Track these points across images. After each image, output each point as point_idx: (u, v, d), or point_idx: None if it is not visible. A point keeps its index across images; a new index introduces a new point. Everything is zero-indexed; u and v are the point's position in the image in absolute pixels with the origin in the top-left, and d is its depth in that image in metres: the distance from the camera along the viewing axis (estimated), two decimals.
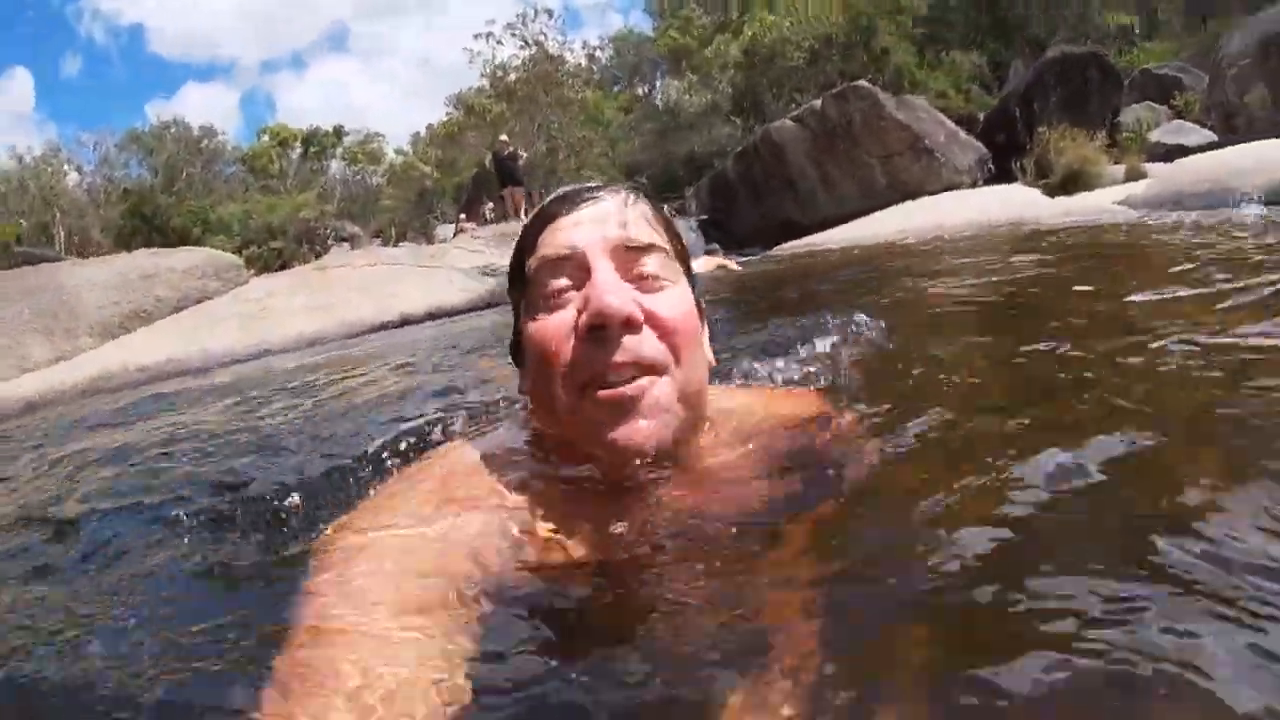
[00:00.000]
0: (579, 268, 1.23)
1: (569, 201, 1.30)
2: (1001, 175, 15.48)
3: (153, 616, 1.45)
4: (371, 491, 1.51)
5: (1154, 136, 15.16)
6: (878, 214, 14.11)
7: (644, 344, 1.19)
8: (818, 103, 16.27)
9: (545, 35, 36.54)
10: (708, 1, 28.75)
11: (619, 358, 1.17)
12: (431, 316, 10.47)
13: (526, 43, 35.74)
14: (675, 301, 1.26)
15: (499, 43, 34.91)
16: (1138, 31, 22.06)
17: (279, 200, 32.57)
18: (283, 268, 25.23)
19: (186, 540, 1.87)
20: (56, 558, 2.03)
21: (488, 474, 1.28)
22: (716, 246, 15.72)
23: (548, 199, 1.37)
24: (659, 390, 1.20)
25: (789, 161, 16.59)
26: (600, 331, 1.17)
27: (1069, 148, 14.32)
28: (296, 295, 10.84)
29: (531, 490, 1.26)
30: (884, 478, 1.37)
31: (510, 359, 1.46)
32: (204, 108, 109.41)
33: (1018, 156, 15.24)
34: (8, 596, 1.74)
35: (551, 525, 1.23)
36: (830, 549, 1.18)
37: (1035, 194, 13.07)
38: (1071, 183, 13.88)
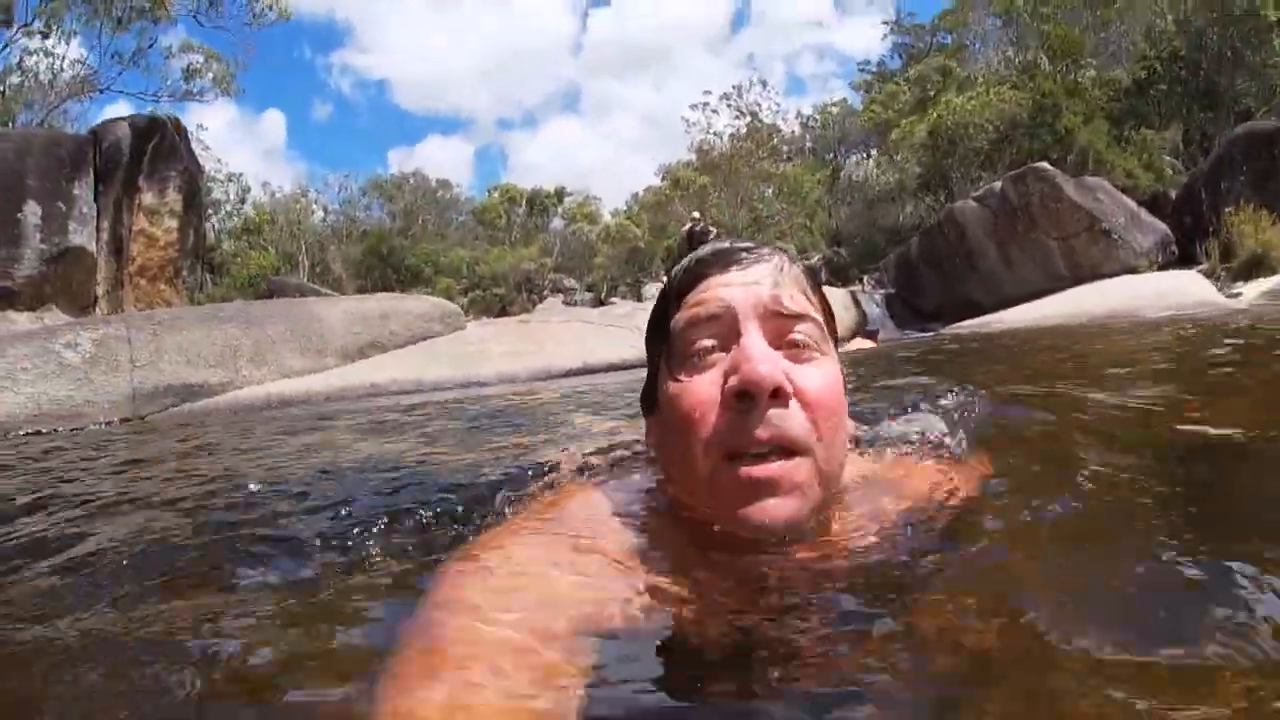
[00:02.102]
0: (728, 329, 1.22)
1: (722, 259, 1.30)
2: (1187, 258, 15.30)
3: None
4: (499, 518, 1.58)
5: None
6: (1052, 297, 14.31)
7: (790, 420, 1.16)
8: (998, 184, 16.63)
9: (760, 105, 37.63)
10: (912, 80, 28.97)
11: (763, 432, 1.15)
12: (613, 368, 11.76)
13: (741, 113, 36.91)
14: (824, 376, 1.23)
15: (714, 112, 36.27)
16: None
17: (504, 251, 34.48)
18: (503, 311, 27.21)
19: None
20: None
21: (615, 524, 1.28)
22: (874, 324, 16.31)
23: (697, 254, 1.36)
24: (801, 474, 1.17)
25: (970, 241, 16.94)
26: (747, 400, 1.15)
27: (1250, 230, 14.20)
28: (503, 341, 12.52)
29: (654, 546, 1.25)
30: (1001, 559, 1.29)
31: (641, 408, 1.47)
32: (442, 158, 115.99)
33: (1203, 239, 15.16)
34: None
35: (669, 583, 1.20)
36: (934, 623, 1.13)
37: (1200, 282, 12.87)
38: (1256, 267, 13.71)
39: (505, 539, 1.25)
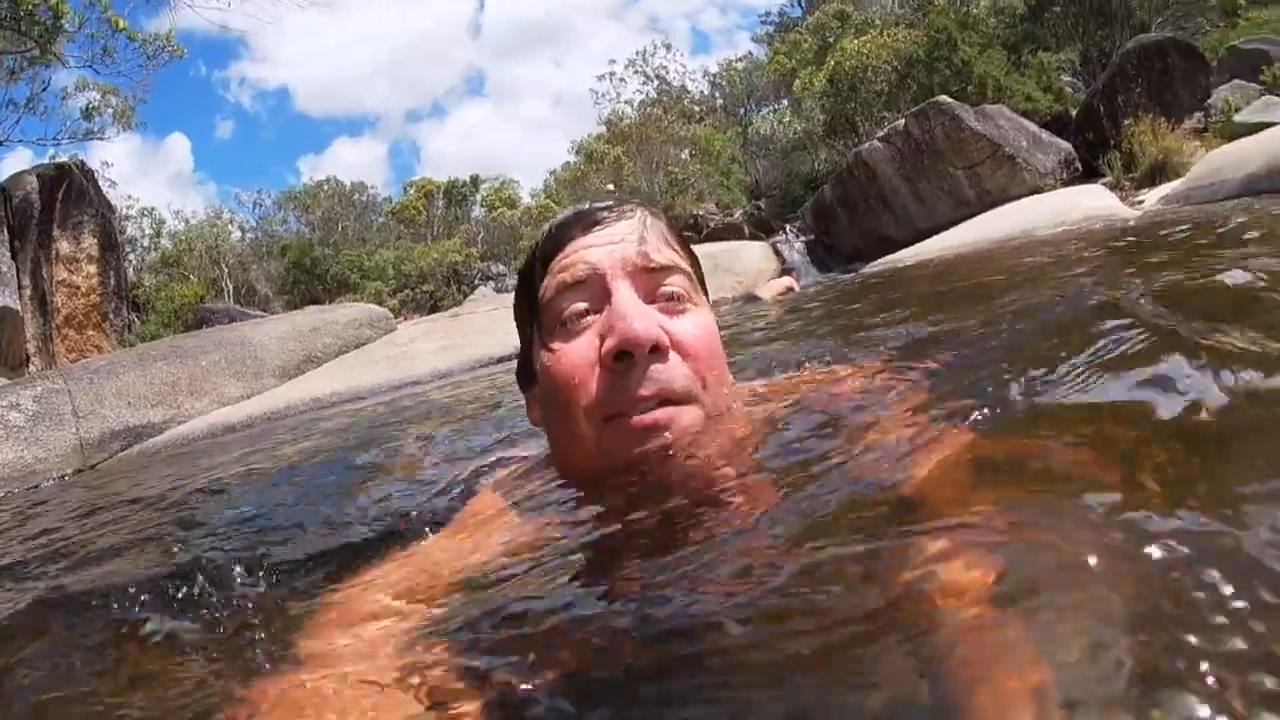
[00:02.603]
0: (598, 291, 1.20)
1: (583, 220, 1.27)
2: (1093, 173, 15.54)
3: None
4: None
5: (1240, 117, 14.53)
6: (962, 225, 14.51)
7: (672, 373, 1.15)
8: (901, 122, 16.78)
9: (666, 69, 37.60)
10: (811, 28, 29.06)
11: (646, 390, 1.13)
12: None
13: (649, 77, 36.89)
14: (699, 324, 1.22)
15: (622, 80, 36.22)
16: (1243, 3, 21.21)
17: (427, 248, 34.14)
18: (434, 308, 27.15)
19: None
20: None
21: (502, 501, 1.27)
22: (794, 267, 16.44)
23: (558, 216, 1.33)
24: (686, 418, 1.15)
25: (881, 180, 17.10)
26: (625, 359, 1.13)
27: (1148, 140, 14.42)
28: (433, 339, 12.58)
29: (537, 507, 1.23)
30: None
31: (518, 384, 1.44)
32: (354, 160, 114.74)
33: (1106, 153, 15.41)
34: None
35: (552, 531, 1.16)
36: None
37: (1099, 194, 13.03)
38: (1159, 174, 13.91)
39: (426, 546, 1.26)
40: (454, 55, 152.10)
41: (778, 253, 17.37)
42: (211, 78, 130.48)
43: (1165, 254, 5.37)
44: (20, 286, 13.83)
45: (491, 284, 28.99)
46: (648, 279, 1.22)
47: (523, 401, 1.50)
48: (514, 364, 1.56)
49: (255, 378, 11.61)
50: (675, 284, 1.24)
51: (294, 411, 10.23)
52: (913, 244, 15.01)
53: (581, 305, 1.21)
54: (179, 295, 24.86)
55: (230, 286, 34.38)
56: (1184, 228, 6.37)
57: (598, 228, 1.26)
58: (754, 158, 28.74)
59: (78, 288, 14.90)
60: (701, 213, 26.21)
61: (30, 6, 10.40)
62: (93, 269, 15.15)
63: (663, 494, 1.12)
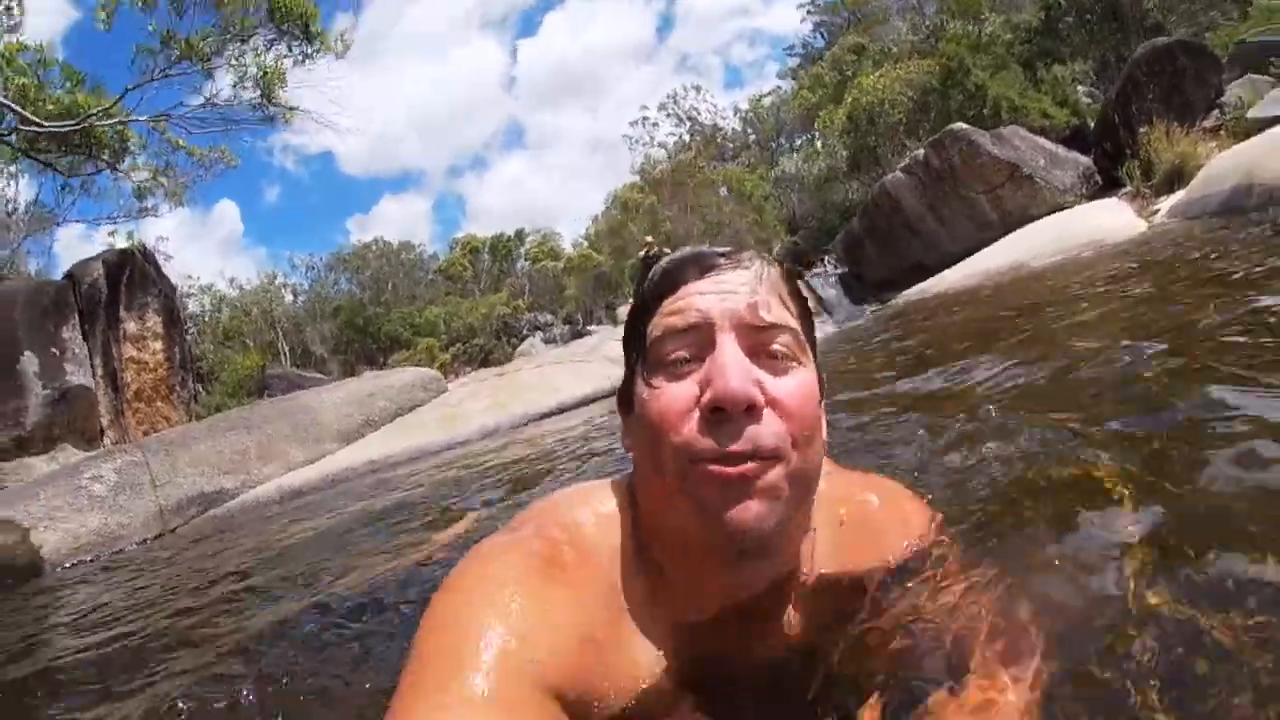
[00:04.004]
0: (704, 339, 1.21)
1: (699, 265, 1.28)
2: (1116, 184, 15.34)
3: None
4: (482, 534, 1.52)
5: (1252, 113, 14.09)
6: (987, 249, 14.71)
7: (764, 432, 1.16)
8: (920, 152, 17.14)
9: (698, 110, 37.97)
10: (829, 63, 29.19)
11: (736, 445, 1.14)
12: (582, 402, 12.26)
13: (681, 119, 37.26)
14: (801, 384, 1.22)
15: (655, 124, 36.59)
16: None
17: (475, 302, 34.68)
18: (485, 360, 27.95)
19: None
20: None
21: (596, 545, 1.28)
22: (829, 305, 16.73)
23: (675, 256, 1.34)
24: (773, 476, 1.16)
25: (906, 209, 17.46)
26: (720, 414, 1.15)
27: (1164, 146, 14.36)
28: (481, 398, 13.33)
29: (643, 583, 1.28)
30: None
31: (618, 408, 1.44)
32: (400, 217, 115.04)
33: (1124, 162, 15.24)
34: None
35: (659, 628, 1.25)
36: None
37: (1102, 211, 13.22)
38: (1177, 180, 13.82)
39: (488, 564, 1.22)
40: (491, 109, 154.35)
41: (811, 290, 17.60)
42: (256, 146, 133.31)
43: (1147, 284, 5.63)
44: (92, 365, 14.71)
45: (540, 334, 29.44)
46: (755, 335, 1.21)
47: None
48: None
49: (317, 443, 12.47)
50: (782, 343, 1.23)
51: (354, 474, 10.98)
52: (941, 269, 15.31)
53: (685, 352, 1.21)
54: (241, 366, 25.67)
55: (286, 349, 35.28)
56: (1168, 251, 6.63)
57: (712, 273, 1.26)
58: (786, 191, 28.92)
59: (145, 364, 15.79)
60: None
61: (101, 134, 11.23)
62: (158, 345, 16.05)
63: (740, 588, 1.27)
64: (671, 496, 1.19)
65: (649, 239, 23.88)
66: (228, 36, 11.31)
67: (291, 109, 12.43)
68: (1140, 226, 11.49)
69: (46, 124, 10.56)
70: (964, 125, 16.69)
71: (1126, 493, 1.52)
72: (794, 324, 1.26)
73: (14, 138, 11.03)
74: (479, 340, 31.37)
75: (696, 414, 1.17)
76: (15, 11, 11.13)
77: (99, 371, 14.90)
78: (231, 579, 4.60)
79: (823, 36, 38.14)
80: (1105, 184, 15.76)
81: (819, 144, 27.08)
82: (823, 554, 1.37)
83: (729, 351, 1.18)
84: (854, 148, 21.96)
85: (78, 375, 14.12)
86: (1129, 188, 14.83)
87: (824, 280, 18.86)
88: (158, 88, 11.47)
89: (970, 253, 15.19)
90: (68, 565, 9.24)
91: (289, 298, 41.40)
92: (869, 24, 31.48)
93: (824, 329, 13.95)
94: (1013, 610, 1.21)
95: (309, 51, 11.92)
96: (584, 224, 49.60)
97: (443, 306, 35.96)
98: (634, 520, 1.32)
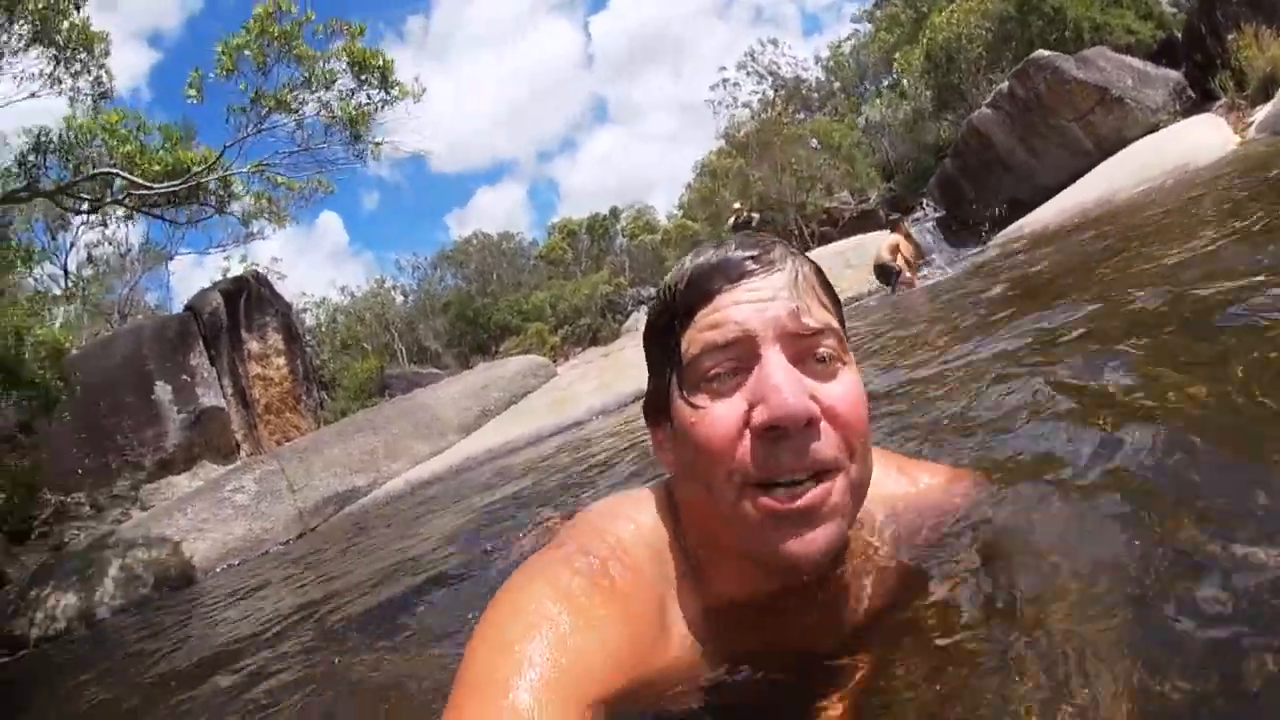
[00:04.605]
0: (746, 353, 1.14)
1: (728, 272, 1.19)
2: (1211, 97, 14.98)
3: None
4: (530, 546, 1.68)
5: None
6: (1078, 183, 14.53)
7: (823, 444, 1.11)
8: (1004, 85, 16.91)
9: (778, 64, 37.46)
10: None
11: (797, 462, 1.10)
12: None
13: (762, 76, 36.80)
14: (850, 390, 1.17)
15: (736, 85, 36.23)
16: None
17: (578, 283, 35.41)
18: (594, 339, 29.08)
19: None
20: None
21: (639, 559, 1.23)
22: (929, 251, 16.84)
23: (700, 263, 1.24)
24: (835, 496, 1.11)
25: (997, 145, 17.28)
26: (778, 432, 1.09)
27: (1254, 53, 13.83)
28: (589, 380, 14.11)
29: (690, 591, 1.24)
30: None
31: (645, 419, 1.37)
32: (497, 207, 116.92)
33: (1216, 73, 14.83)
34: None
35: (709, 633, 1.22)
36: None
37: (1209, 126, 12.86)
38: (1272, 87, 13.30)
39: (537, 581, 1.18)
40: (572, 89, 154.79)
41: (908, 237, 17.57)
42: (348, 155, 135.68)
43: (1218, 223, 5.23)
44: (222, 386, 16.00)
45: (644, 308, 29.78)
46: (799, 343, 1.15)
47: None
48: None
49: (440, 436, 13.55)
50: (827, 346, 1.17)
51: (474, 463, 11.80)
52: (1037, 203, 15.15)
53: (728, 366, 1.15)
54: (360, 371, 26.81)
55: (402, 348, 36.71)
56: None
57: (745, 281, 1.18)
58: (877, 137, 28.59)
59: (271, 379, 17.08)
60: (835, 205, 26.34)
61: (205, 185, 12.13)
62: (281, 361, 17.33)
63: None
64: (726, 522, 1.15)
65: (736, 205, 24.04)
66: (312, 87, 12.10)
67: (378, 143, 13.18)
68: (1233, 144, 11.25)
69: (155, 186, 11.45)
70: (1046, 52, 16.43)
71: None
72: (835, 324, 1.21)
73: (126, 199, 11.97)
74: (585, 320, 32.12)
75: (748, 435, 1.12)
76: (105, 79, 12.01)
77: (228, 391, 16.22)
78: (373, 569, 5.21)
79: None
80: (1200, 98, 15.32)
81: (904, 85, 26.67)
82: (876, 541, 1.34)
83: (776, 365, 1.13)
84: (937, 87, 21.70)
85: (209, 397, 15.45)
86: (1223, 100, 14.44)
87: (918, 229, 18.52)
88: (254, 141, 12.32)
89: (1065, 184, 14.96)
90: (218, 570, 10.52)
91: (399, 299, 42.88)
92: None
93: (929, 279, 14.04)
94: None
95: (388, 99, 12.68)
96: (677, 192, 49.84)
97: (547, 291, 36.61)
98: (674, 530, 1.28)
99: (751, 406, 1.11)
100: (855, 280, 15.58)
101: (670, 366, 1.23)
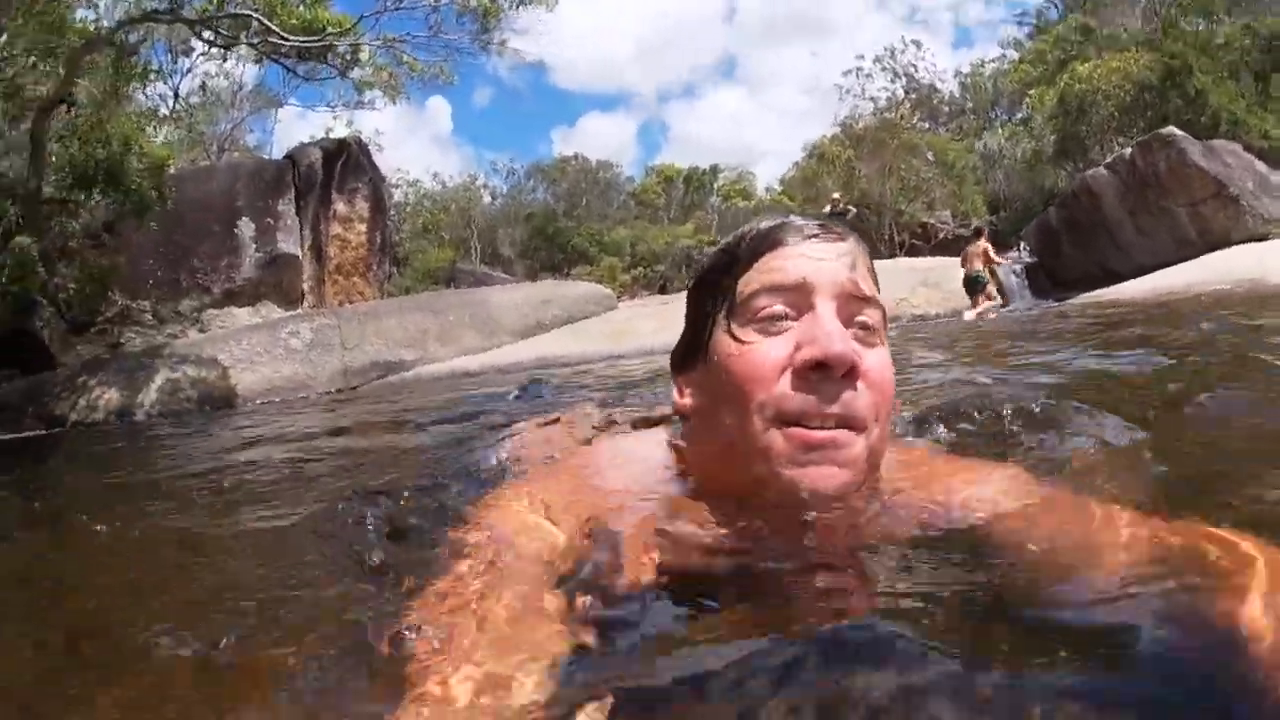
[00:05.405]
0: (802, 301, 1.21)
1: (798, 230, 1.28)
2: None
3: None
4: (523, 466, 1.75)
5: None
6: (1167, 270, 14.38)
7: (859, 399, 1.17)
8: (1128, 151, 16.66)
9: (915, 67, 36.98)
10: (1052, 41, 28.17)
11: (832, 407, 1.16)
12: None
13: (897, 74, 36.40)
14: (885, 361, 1.24)
15: (869, 76, 35.88)
16: None
17: (663, 230, 35.88)
18: (663, 288, 29.07)
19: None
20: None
21: (624, 475, 1.34)
22: (1009, 290, 16.74)
23: (775, 219, 1.33)
24: (856, 448, 1.18)
25: (1104, 208, 16.93)
26: (821, 372, 1.15)
27: None
28: (644, 320, 14.39)
29: (663, 496, 1.31)
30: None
31: (671, 368, 1.42)
32: (605, 135, 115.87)
33: None
34: None
35: (675, 533, 1.24)
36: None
37: None
38: None
39: (535, 484, 1.32)
40: (708, 38, 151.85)
41: (992, 273, 17.46)
42: (474, 47, 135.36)
43: None
44: (301, 237, 16.43)
45: None
46: (851, 305, 1.22)
47: None
48: None
49: (492, 335, 14.12)
50: (871, 317, 1.24)
51: (520, 368, 12.09)
52: (1133, 278, 14.84)
53: (783, 308, 1.22)
54: (434, 258, 27.26)
55: (477, 246, 37.47)
56: None
57: (813, 240, 1.26)
58: (993, 168, 28.32)
59: (349, 242, 17.48)
60: (933, 221, 26.25)
61: (335, 44, 12.54)
62: (363, 228, 17.70)
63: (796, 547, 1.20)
64: (748, 452, 1.20)
65: (836, 195, 23.98)
66: None
67: (504, 41, 13.59)
68: None
69: (290, 38, 11.88)
70: (1176, 130, 16.12)
71: None
72: (881, 302, 1.29)
73: (260, 43, 12.42)
74: (661, 267, 32.37)
75: (789, 374, 1.18)
76: None
77: (306, 243, 16.69)
78: (408, 424, 5.56)
79: (1057, 8, 36.54)
80: None
81: (1034, 121, 26.27)
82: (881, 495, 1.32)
83: (829, 313, 1.20)
84: (1062, 133, 21.42)
85: (287, 244, 15.96)
86: None
87: (1004, 269, 18.24)
88: (389, 17, 12.77)
89: (1163, 266, 14.72)
90: (258, 402, 11.31)
91: (486, 199, 43.51)
92: (1099, 3, 29.97)
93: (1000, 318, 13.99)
94: None
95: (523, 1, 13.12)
96: (782, 168, 49.68)
97: (631, 230, 36.98)
98: (674, 471, 1.38)
99: (798, 348, 1.18)
100: (928, 298, 15.70)
101: (718, 306, 1.30)
